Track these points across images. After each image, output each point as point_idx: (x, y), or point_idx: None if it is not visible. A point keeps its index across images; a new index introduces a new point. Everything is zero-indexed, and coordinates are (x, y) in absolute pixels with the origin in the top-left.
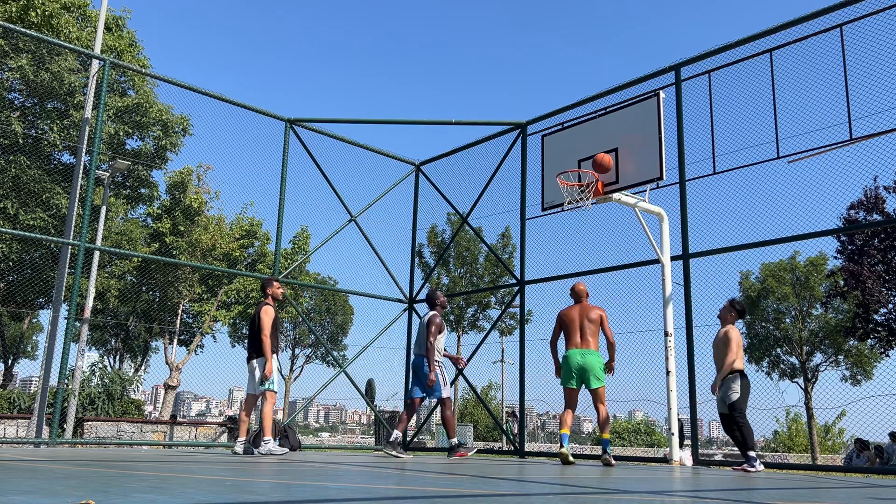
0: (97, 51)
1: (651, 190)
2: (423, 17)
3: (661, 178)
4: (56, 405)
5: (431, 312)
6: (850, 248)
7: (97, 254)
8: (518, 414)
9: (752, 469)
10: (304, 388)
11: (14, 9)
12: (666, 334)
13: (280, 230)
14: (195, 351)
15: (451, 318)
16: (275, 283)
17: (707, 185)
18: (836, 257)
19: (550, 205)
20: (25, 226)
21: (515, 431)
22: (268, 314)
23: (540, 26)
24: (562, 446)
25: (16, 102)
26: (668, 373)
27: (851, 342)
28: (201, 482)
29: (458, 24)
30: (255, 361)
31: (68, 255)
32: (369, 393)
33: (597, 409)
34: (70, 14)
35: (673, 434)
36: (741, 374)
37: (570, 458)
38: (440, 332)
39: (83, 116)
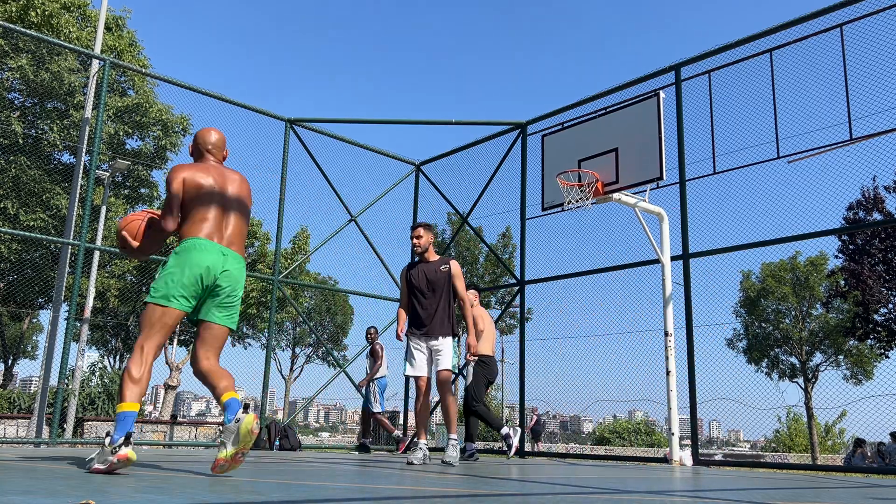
0: (97, 51)
1: (651, 190)
2: (423, 17)
3: (661, 178)
4: (56, 405)
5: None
6: (850, 247)
7: (97, 254)
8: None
9: (512, 451)
10: (304, 388)
11: (14, 9)
12: (666, 334)
13: (280, 230)
14: None
15: None
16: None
17: (707, 185)
18: (837, 256)
19: (550, 205)
20: (25, 226)
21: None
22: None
23: (540, 26)
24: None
25: (16, 102)
26: (668, 373)
27: (851, 342)
28: (202, 482)
29: (459, 24)
30: None
31: (68, 255)
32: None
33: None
34: (70, 14)
35: (673, 434)
36: (480, 359)
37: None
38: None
39: (83, 116)
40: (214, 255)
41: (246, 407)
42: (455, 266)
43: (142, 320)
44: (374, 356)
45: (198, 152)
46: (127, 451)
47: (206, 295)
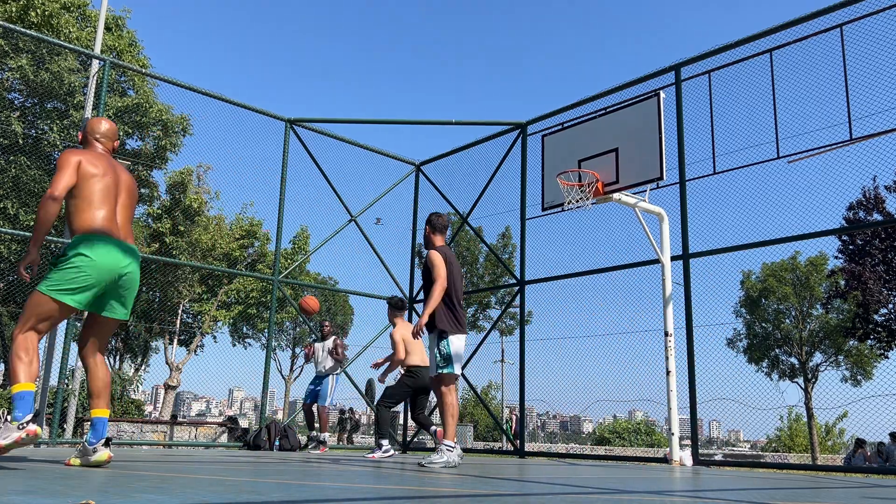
0: (97, 51)
1: (651, 190)
2: (423, 17)
3: (661, 178)
4: (56, 405)
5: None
6: (850, 248)
7: None
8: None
9: (375, 455)
10: (304, 388)
11: (14, 9)
12: (666, 334)
13: (280, 230)
14: (195, 351)
15: None
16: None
17: (707, 185)
18: (836, 257)
19: (550, 205)
20: (25, 226)
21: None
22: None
23: (540, 26)
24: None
25: (16, 102)
26: (668, 373)
27: (851, 342)
28: (201, 482)
29: (459, 24)
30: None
31: None
32: (369, 393)
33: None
34: (70, 14)
35: (673, 434)
36: (409, 370)
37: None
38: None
39: (83, 116)
40: (116, 255)
41: (107, 442)
42: (430, 256)
43: (30, 306)
44: (338, 351)
45: (86, 141)
46: (35, 427)
47: (108, 292)
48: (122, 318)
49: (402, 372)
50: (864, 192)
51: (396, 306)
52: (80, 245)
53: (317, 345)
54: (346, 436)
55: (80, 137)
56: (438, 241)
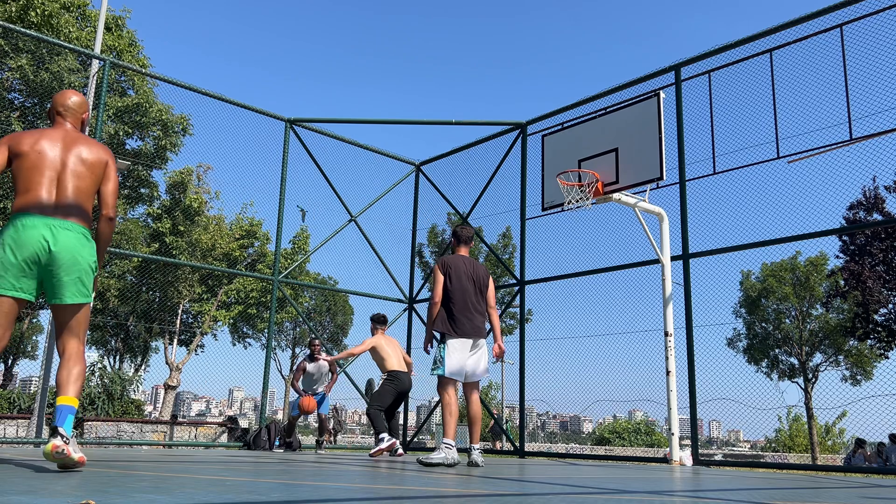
0: (97, 51)
1: (651, 190)
2: (423, 17)
3: (661, 178)
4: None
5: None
6: (851, 248)
7: None
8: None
9: (375, 450)
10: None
11: (14, 9)
12: (666, 334)
13: (280, 230)
14: (195, 351)
15: None
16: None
17: (707, 185)
18: (837, 257)
19: (550, 205)
20: None
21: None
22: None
23: (540, 27)
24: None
25: (16, 102)
26: (668, 373)
27: (851, 342)
28: (201, 482)
29: (460, 25)
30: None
31: None
32: (369, 393)
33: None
34: (70, 14)
35: (673, 434)
36: (389, 375)
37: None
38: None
39: None
40: (38, 231)
41: (54, 431)
42: (433, 269)
43: None
44: (331, 369)
45: (50, 115)
46: None
47: (45, 276)
48: (66, 303)
49: (384, 377)
50: (864, 192)
51: (377, 321)
52: (4, 228)
53: (309, 366)
54: (328, 435)
55: (47, 114)
56: (462, 251)
